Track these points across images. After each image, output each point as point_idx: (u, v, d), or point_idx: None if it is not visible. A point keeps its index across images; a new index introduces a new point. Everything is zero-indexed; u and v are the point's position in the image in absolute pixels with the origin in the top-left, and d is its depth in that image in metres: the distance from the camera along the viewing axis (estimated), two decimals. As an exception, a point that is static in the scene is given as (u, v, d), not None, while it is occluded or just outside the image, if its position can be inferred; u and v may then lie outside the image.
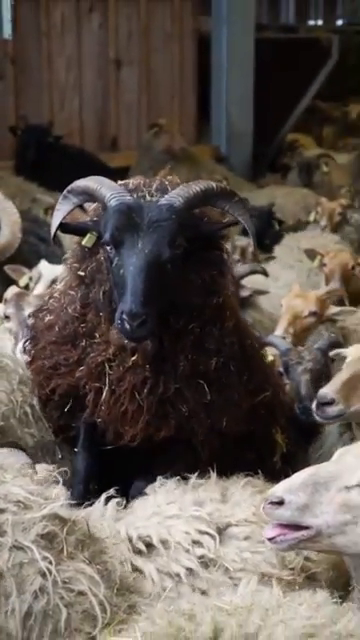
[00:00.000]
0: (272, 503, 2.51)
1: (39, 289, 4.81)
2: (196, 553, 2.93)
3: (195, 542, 2.96)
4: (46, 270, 4.98)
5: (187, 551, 2.92)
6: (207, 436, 3.36)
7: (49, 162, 8.85)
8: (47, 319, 3.58)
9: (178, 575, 2.86)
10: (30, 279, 5.01)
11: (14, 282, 5.08)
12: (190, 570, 2.88)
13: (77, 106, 10.20)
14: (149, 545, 2.93)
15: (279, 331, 4.94)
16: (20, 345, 3.93)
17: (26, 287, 4.92)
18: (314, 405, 3.55)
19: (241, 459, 3.56)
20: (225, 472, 3.37)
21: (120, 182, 3.42)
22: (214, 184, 3.31)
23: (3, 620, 2.16)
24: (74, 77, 10.12)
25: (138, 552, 2.90)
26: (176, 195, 3.15)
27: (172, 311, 3.21)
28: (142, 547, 2.91)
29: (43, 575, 2.22)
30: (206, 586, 2.87)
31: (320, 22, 21.73)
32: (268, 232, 7.29)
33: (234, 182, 8.80)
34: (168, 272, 3.10)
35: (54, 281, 4.75)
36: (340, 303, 5.34)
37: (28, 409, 3.58)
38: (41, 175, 8.53)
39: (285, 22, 21.53)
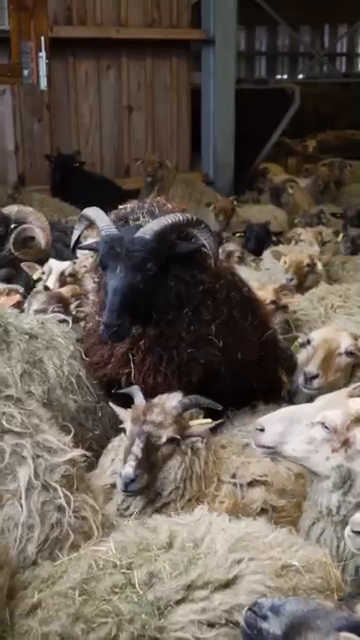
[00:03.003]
0: (257, 430, 2.61)
1: (51, 281, 4.70)
2: None
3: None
4: (55, 265, 4.83)
5: None
6: (228, 367, 3.36)
7: (75, 183, 8.79)
8: (89, 325, 3.57)
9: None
10: (43, 273, 4.85)
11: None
12: None
13: (98, 142, 10.14)
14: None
15: None
16: None
17: (39, 279, 4.81)
18: (301, 380, 3.56)
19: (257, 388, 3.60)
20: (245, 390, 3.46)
21: (120, 206, 3.40)
22: (181, 216, 3.17)
23: (24, 545, 2.15)
24: (95, 120, 10.05)
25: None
26: (149, 229, 3.08)
27: (155, 309, 3.17)
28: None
29: (60, 510, 2.20)
30: None
31: (285, 76, 21.55)
32: (266, 241, 7.17)
33: (220, 200, 8.76)
34: (141, 290, 3.07)
35: (62, 273, 4.73)
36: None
37: (74, 379, 3.47)
38: (70, 193, 8.50)
39: (258, 76, 21.41)
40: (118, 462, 2.86)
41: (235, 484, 2.92)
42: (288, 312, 4.99)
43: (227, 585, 1.98)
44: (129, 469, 2.61)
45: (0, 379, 2.37)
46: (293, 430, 2.55)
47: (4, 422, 2.26)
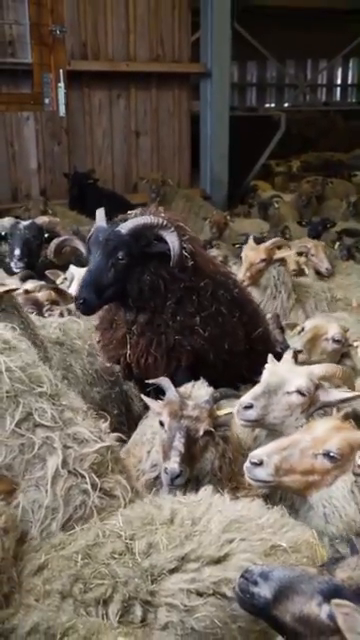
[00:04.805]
0: (244, 407, 2.62)
1: (74, 286, 4.53)
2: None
3: None
4: (76, 272, 4.70)
5: None
6: (216, 356, 3.34)
7: (90, 198, 8.67)
8: (101, 313, 3.52)
9: None
10: (65, 279, 4.75)
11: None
12: None
13: (110, 162, 10.05)
14: None
15: (240, 276, 4.66)
16: None
17: (61, 284, 4.70)
18: (287, 354, 3.51)
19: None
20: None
21: (130, 212, 3.38)
22: (153, 219, 3.14)
23: (48, 523, 2.10)
24: (107, 143, 9.96)
25: None
26: (125, 226, 3.12)
27: (131, 297, 3.16)
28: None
29: (85, 493, 2.13)
30: None
31: (273, 104, 21.35)
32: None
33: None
34: (110, 274, 3.09)
35: None
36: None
37: (94, 374, 3.50)
38: (85, 207, 8.37)
39: (249, 104, 21.23)
40: (155, 454, 2.72)
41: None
42: (285, 266, 4.83)
43: (218, 561, 1.95)
44: (174, 465, 2.47)
45: (34, 377, 2.24)
46: (272, 401, 2.60)
47: (36, 417, 2.16)
